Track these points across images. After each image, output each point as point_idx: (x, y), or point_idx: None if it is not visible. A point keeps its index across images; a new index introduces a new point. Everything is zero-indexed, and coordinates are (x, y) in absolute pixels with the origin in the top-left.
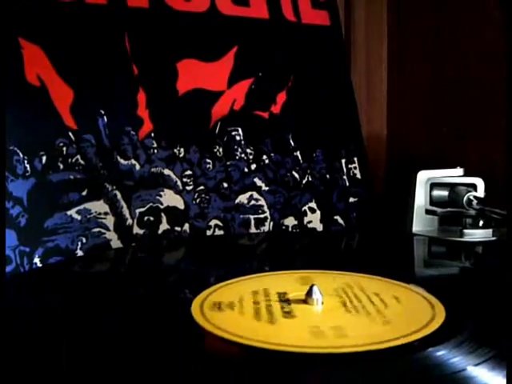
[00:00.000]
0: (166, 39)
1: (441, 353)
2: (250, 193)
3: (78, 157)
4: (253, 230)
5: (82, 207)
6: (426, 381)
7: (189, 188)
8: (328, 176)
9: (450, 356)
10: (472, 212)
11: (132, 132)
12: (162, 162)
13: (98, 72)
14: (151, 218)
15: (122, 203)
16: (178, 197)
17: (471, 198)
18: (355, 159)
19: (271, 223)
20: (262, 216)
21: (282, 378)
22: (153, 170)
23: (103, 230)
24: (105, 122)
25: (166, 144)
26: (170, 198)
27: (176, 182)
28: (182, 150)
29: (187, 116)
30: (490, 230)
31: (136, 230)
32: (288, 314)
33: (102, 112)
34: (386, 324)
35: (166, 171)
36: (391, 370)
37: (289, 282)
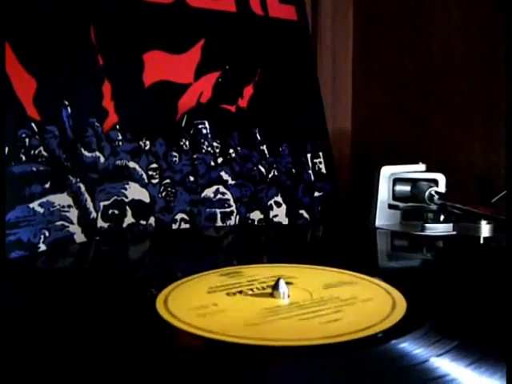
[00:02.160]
0: (132, 30)
1: (403, 345)
2: (216, 186)
3: (41, 148)
4: (219, 223)
5: (44, 200)
6: (388, 373)
7: (154, 181)
8: (294, 170)
9: (412, 348)
10: (433, 207)
11: (96, 124)
12: (127, 154)
13: (61, 62)
14: (116, 212)
15: (86, 196)
16: (143, 190)
17: (433, 193)
18: (320, 154)
19: (237, 217)
20: (228, 210)
21: (249, 370)
22: (118, 162)
23: (67, 224)
24: (69, 113)
25: (131, 136)
26: (135, 191)
27: (141, 174)
28: (147, 142)
29: (153, 108)
30: (451, 225)
31: (100, 223)
32: (252, 308)
33: (66, 103)
34: (348, 317)
35: (131, 164)
36: (353, 362)
37: (255, 275)
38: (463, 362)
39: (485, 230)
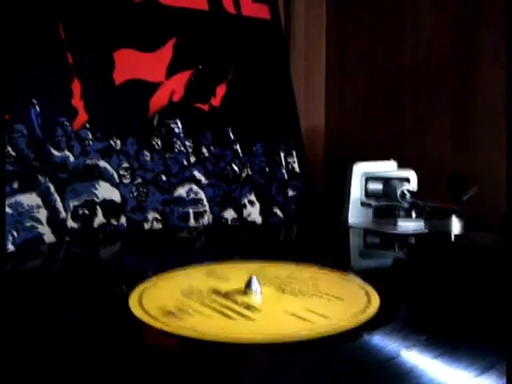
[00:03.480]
0: (102, 28)
1: (376, 339)
2: (189, 186)
3: (9, 148)
4: (192, 223)
5: (13, 200)
6: (361, 367)
7: (126, 181)
8: (267, 169)
9: (385, 342)
10: (405, 204)
11: (66, 123)
12: (98, 153)
13: (29, 60)
14: (86, 212)
15: (56, 196)
16: (114, 189)
17: (404, 191)
18: (294, 153)
19: (211, 216)
20: (201, 209)
21: (222, 367)
22: (88, 161)
23: (36, 224)
24: (37, 112)
25: (101, 135)
26: (105, 191)
27: (112, 174)
28: (118, 141)
29: (124, 107)
30: (422, 222)
31: (70, 223)
32: (225, 305)
33: (35, 101)
34: (322, 313)
35: (102, 163)
36: (326, 358)
37: (227, 273)
38: (432, 354)
39: (456, 226)
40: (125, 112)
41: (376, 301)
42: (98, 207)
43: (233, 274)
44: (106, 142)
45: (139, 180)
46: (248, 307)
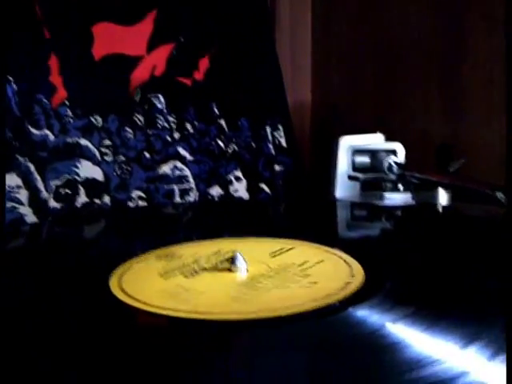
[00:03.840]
0: (79, 1)
1: (360, 312)
2: (173, 163)
3: None
4: (177, 200)
5: None
6: (346, 340)
7: (108, 159)
8: (253, 144)
9: (369, 315)
10: (392, 177)
11: (44, 100)
12: (78, 131)
13: (4, 36)
14: (68, 191)
15: (36, 176)
16: (96, 168)
17: (391, 163)
18: (280, 127)
19: (196, 193)
20: (186, 186)
21: (205, 345)
22: (68, 140)
23: (16, 205)
24: (14, 90)
25: (81, 112)
26: (88, 170)
27: (94, 152)
28: (99, 118)
29: (104, 83)
30: (410, 194)
31: (52, 203)
32: (211, 283)
33: (11, 79)
34: (307, 287)
35: (83, 141)
36: (312, 331)
37: (214, 250)
38: (418, 327)
39: (443, 198)
40: (105, 88)
41: (361, 274)
42: (80, 186)
43: (218, 251)
44: (87, 119)
45: (122, 158)
46: (235, 284)
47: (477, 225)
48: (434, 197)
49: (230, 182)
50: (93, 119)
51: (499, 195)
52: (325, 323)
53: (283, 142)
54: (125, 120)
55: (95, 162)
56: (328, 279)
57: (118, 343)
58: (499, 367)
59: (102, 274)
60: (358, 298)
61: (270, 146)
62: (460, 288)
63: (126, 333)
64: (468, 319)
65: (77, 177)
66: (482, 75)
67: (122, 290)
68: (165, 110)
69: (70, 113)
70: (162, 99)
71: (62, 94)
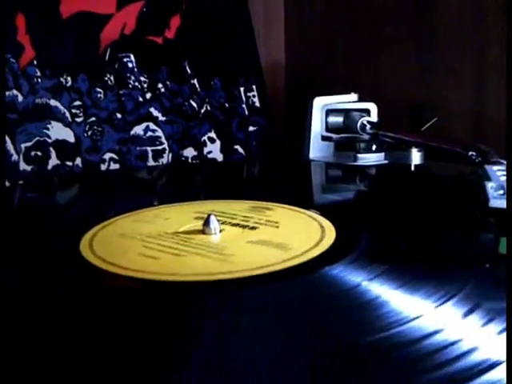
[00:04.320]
0: None
1: (334, 271)
2: (146, 123)
3: None
4: (151, 162)
5: None
6: (321, 299)
7: (79, 120)
8: (227, 105)
9: (344, 273)
10: (366, 137)
11: (12, 60)
12: (48, 92)
13: None
14: (39, 153)
15: (6, 138)
16: (67, 129)
17: (365, 122)
18: (254, 87)
19: (170, 155)
20: (159, 148)
21: (176, 307)
22: (37, 101)
23: None
24: None
25: (50, 72)
26: (58, 131)
27: (64, 113)
28: (69, 78)
29: (73, 42)
30: (383, 154)
31: (23, 166)
32: (183, 245)
33: None
34: (281, 247)
35: (53, 102)
36: (286, 291)
37: (187, 213)
38: (392, 285)
39: (415, 157)
40: (74, 47)
41: (334, 233)
42: (51, 148)
43: (191, 213)
44: (56, 80)
45: (93, 118)
46: (208, 245)
47: (449, 183)
48: (407, 156)
49: (204, 144)
50: (62, 79)
51: (471, 154)
52: (299, 283)
53: (257, 103)
54: (95, 80)
55: (66, 124)
56: (301, 239)
57: (90, 306)
58: (474, 324)
59: (72, 237)
60: (332, 256)
61: (244, 107)
62: (433, 246)
63: (97, 296)
64: (442, 276)
65: (47, 138)
66: (455, 36)
67: (93, 253)
68: (136, 70)
69: (38, 73)
70: (132, 58)
71: (29, 53)
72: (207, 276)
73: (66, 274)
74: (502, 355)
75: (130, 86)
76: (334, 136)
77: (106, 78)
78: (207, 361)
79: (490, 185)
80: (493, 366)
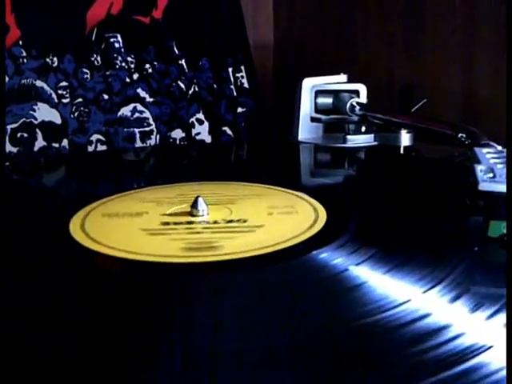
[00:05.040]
0: None
1: (323, 255)
2: (133, 104)
3: None
4: (138, 144)
5: None
6: (310, 283)
7: (65, 101)
8: (215, 86)
9: (333, 257)
10: (355, 118)
11: None
12: (33, 72)
13: None
14: (25, 135)
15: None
16: (53, 110)
17: (354, 104)
18: (242, 68)
19: (158, 136)
20: (147, 129)
21: (164, 289)
22: (23, 81)
23: None
24: None
25: (36, 53)
26: (44, 113)
27: (50, 94)
28: (55, 59)
29: (59, 21)
30: (372, 135)
31: (9, 148)
32: (172, 227)
33: None
34: (270, 230)
35: (39, 83)
36: (276, 274)
37: (175, 194)
38: (380, 269)
39: (405, 139)
40: (60, 27)
41: (324, 216)
42: (37, 130)
43: (180, 195)
44: (42, 60)
45: (79, 100)
46: (197, 228)
47: (438, 166)
48: (397, 138)
49: (192, 125)
50: (48, 60)
51: (461, 136)
52: (289, 266)
53: (245, 84)
54: (81, 60)
55: (52, 105)
56: (291, 222)
57: (81, 286)
58: (462, 309)
59: (61, 219)
60: (322, 240)
61: (232, 88)
62: (423, 230)
63: (88, 276)
64: (431, 261)
65: (33, 120)
66: (445, 17)
67: (83, 234)
68: (123, 50)
69: (24, 53)
70: (119, 38)
71: (15, 33)
72: (195, 258)
73: (55, 256)
74: (489, 340)
75: (117, 66)
76: (323, 117)
77: (93, 59)
78: (191, 346)
79: (479, 167)
80: (481, 350)
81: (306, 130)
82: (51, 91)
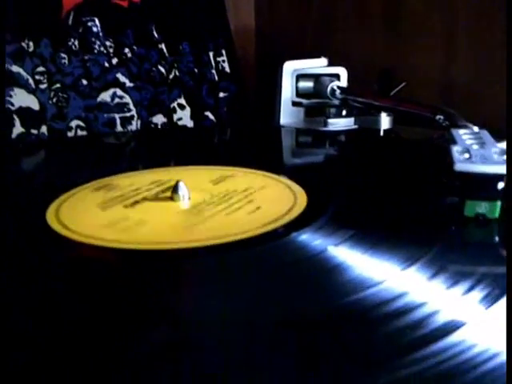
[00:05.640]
0: None
1: (303, 236)
2: (113, 90)
3: None
4: (119, 129)
5: None
6: (290, 264)
7: (43, 86)
8: (196, 70)
9: (312, 238)
10: (335, 101)
11: None
12: (9, 57)
13: None
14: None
15: None
16: (31, 96)
17: (334, 87)
18: (223, 52)
19: (139, 122)
20: (128, 114)
21: (152, 277)
22: None
23: None
24: None
25: (11, 37)
26: (22, 99)
27: (27, 79)
28: (31, 43)
29: (35, 5)
30: (352, 119)
31: None
32: (153, 212)
33: None
34: (251, 213)
35: (15, 68)
36: (257, 257)
37: (156, 180)
38: (359, 249)
39: (385, 122)
40: (36, 11)
41: (304, 199)
42: (14, 116)
43: (160, 181)
44: (18, 45)
45: (57, 85)
46: (177, 213)
47: (417, 148)
48: (377, 121)
49: (174, 110)
50: (24, 44)
51: (439, 118)
52: (269, 248)
53: (227, 68)
54: (59, 45)
55: (29, 90)
56: (272, 205)
57: (58, 276)
58: (439, 287)
59: (39, 207)
60: (301, 222)
61: (214, 72)
62: (401, 210)
63: (65, 266)
64: (408, 241)
65: (10, 106)
66: (426, 1)
67: (60, 222)
68: (101, 34)
69: None
70: (97, 22)
71: None
72: (171, 244)
73: (32, 243)
74: (465, 317)
75: (96, 51)
76: (304, 101)
77: (70, 43)
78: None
79: (455, 148)
80: (457, 327)
81: (288, 115)
82: (28, 76)
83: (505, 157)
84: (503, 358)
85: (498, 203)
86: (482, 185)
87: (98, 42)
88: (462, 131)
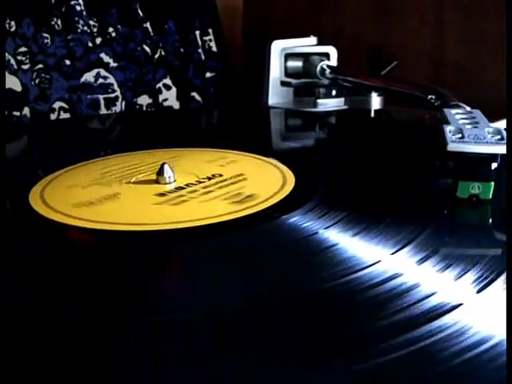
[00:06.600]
0: None
1: (293, 219)
2: (96, 70)
3: None
4: (103, 111)
5: None
6: (280, 247)
7: (25, 67)
8: (182, 49)
9: (303, 221)
10: (325, 81)
11: None
12: None
13: None
14: None
15: None
16: (13, 77)
17: (324, 67)
18: (210, 31)
19: (123, 103)
20: (112, 95)
21: (129, 257)
22: None
23: None
24: None
25: None
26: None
27: (9, 60)
28: (12, 23)
29: None
30: (342, 99)
31: None
32: (136, 194)
33: None
34: (239, 195)
35: None
36: (245, 239)
37: (141, 163)
38: (349, 233)
39: (375, 102)
40: None
41: (293, 181)
42: None
43: (146, 163)
44: None
45: (40, 66)
46: (161, 194)
47: (408, 128)
48: (367, 101)
49: (159, 91)
50: (6, 24)
51: (431, 97)
52: (258, 231)
53: (214, 47)
54: (41, 24)
55: (11, 71)
56: (260, 187)
57: (41, 256)
58: (431, 269)
59: (22, 189)
60: (291, 204)
61: (200, 51)
62: (392, 192)
63: (49, 247)
64: (400, 223)
65: None
66: None
67: (43, 204)
68: (84, 13)
69: None
70: (80, 1)
71: None
72: (159, 226)
73: (14, 226)
74: (457, 299)
75: (79, 30)
76: (293, 81)
77: (53, 23)
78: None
79: (448, 128)
80: (449, 309)
81: (276, 95)
82: (10, 57)
83: (498, 136)
84: (496, 340)
85: (492, 184)
86: (476, 165)
87: (81, 22)
88: (454, 111)
